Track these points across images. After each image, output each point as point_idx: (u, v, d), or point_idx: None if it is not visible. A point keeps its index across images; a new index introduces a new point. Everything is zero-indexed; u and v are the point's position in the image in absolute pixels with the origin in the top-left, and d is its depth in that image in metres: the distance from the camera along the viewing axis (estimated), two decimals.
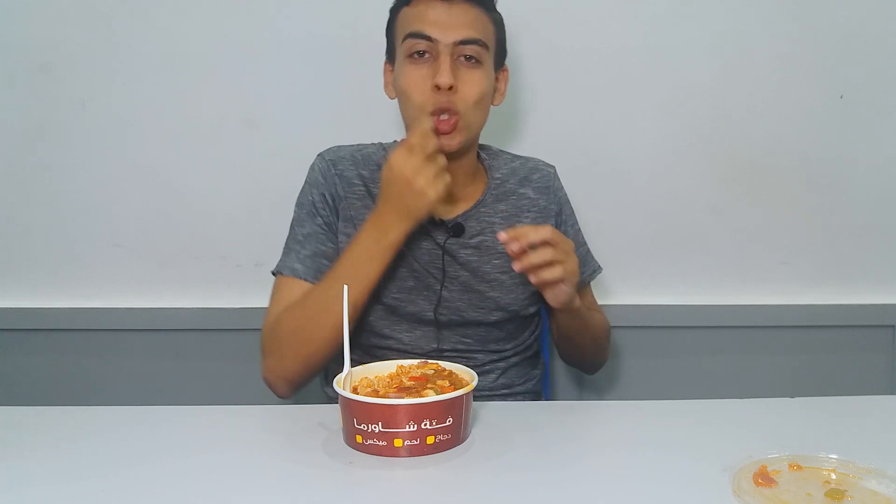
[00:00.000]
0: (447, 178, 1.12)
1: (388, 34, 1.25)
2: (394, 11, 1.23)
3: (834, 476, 0.80)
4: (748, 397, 1.08)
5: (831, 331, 1.71)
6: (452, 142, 1.17)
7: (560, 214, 1.33)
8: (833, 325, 1.71)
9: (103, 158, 1.65)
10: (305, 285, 1.21)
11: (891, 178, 1.67)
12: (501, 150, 1.38)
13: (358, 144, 1.33)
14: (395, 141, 1.32)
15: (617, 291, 1.70)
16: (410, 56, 1.17)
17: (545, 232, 1.06)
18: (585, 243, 1.39)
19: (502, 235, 1.07)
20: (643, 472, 0.85)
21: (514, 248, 1.05)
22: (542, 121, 1.64)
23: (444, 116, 1.16)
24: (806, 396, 1.10)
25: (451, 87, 1.14)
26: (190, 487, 0.83)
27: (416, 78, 1.17)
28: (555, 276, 1.07)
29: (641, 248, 1.69)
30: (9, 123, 1.64)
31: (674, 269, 1.70)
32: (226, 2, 1.60)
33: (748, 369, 1.71)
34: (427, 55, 1.16)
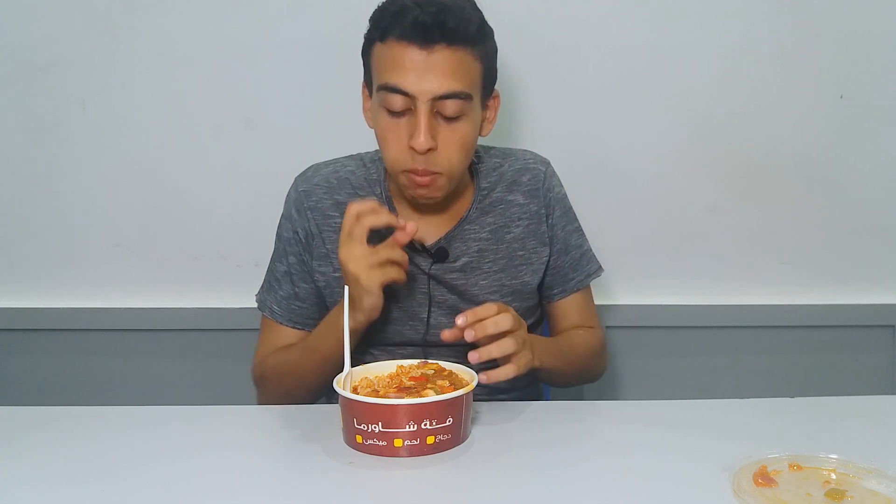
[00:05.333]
0: (390, 272, 1.05)
1: (363, 59, 1.15)
2: (369, 41, 1.12)
3: (834, 476, 0.80)
4: (748, 397, 1.08)
5: (831, 331, 1.71)
6: (434, 195, 1.13)
7: (550, 217, 1.26)
8: (833, 325, 1.70)
9: (103, 158, 1.65)
10: (284, 329, 1.25)
11: (891, 178, 1.67)
12: (489, 150, 1.30)
13: (336, 163, 1.27)
14: (377, 150, 1.25)
15: (617, 291, 1.69)
16: (385, 106, 1.09)
17: (504, 322, 0.99)
18: (584, 245, 1.32)
19: (460, 320, 0.98)
20: (643, 472, 0.85)
21: (468, 338, 0.98)
22: (542, 121, 1.64)
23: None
24: (806, 396, 1.10)
25: (428, 150, 1.07)
26: (190, 487, 0.83)
27: (394, 133, 1.09)
28: (509, 374, 0.99)
29: (641, 248, 1.69)
30: (9, 123, 1.64)
31: (674, 269, 1.70)
32: (226, 2, 1.60)
33: (748, 369, 1.71)
34: (403, 107, 1.07)
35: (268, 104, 1.63)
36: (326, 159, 1.30)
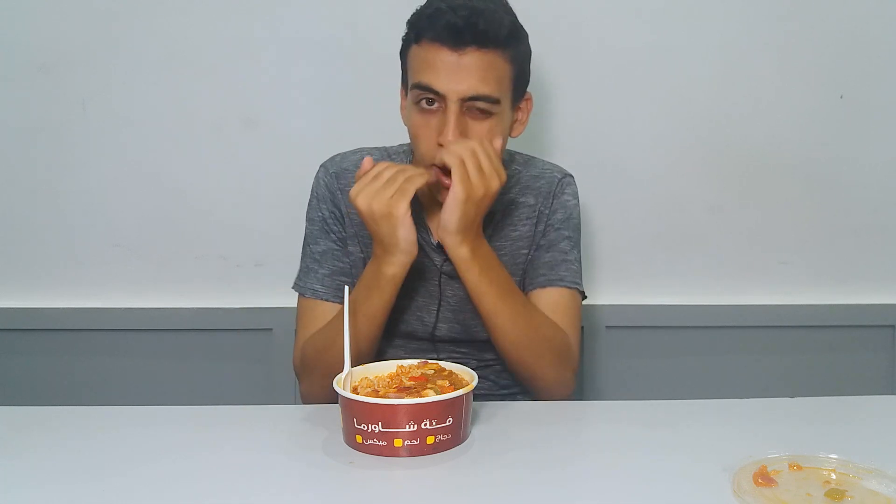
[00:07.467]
0: (411, 188, 1.05)
1: (401, 61, 1.19)
2: (406, 43, 1.16)
3: (834, 476, 0.80)
4: (748, 397, 1.08)
5: (831, 331, 1.71)
6: None
7: (550, 217, 1.25)
8: (833, 325, 1.70)
9: (103, 158, 1.65)
10: (328, 305, 1.22)
11: (891, 178, 1.67)
12: (513, 156, 1.30)
13: (361, 151, 1.29)
14: (401, 144, 1.31)
15: (617, 291, 1.69)
16: (418, 103, 1.13)
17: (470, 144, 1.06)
18: (571, 257, 1.25)
19: None
20: (643, 472, 0.85)
21: None
22: (541, 121, 1.64)
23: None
24: (806, 396, 1.10)
25: None
26: (190, 487, 0.83)
27: (424, 128, 1.13)
28: (450, 161, 1.05)
29: (641, 248, 1.69)
30: (9, 123, 1.64)
31: (673, 268, 1.70)
32: (226, 2, 1.60)
33: (748, 369, 1.71)
34: (436, 104, 1.11)
35: (268, 104, 1.63)
36: (350, 149, 1.30)
